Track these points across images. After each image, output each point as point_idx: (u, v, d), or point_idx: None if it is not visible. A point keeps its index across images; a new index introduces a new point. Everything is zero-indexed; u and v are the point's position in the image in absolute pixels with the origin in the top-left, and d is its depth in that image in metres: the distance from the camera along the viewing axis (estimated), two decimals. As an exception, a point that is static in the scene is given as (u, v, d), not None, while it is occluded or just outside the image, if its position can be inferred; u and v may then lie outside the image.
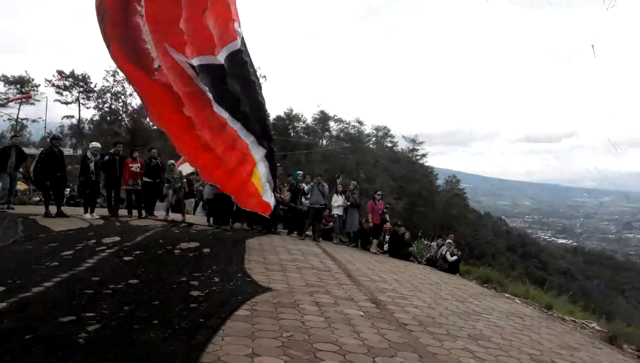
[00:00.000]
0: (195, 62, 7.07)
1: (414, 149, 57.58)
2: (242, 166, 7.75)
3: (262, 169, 7.78)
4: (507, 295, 11.26)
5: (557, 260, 58.26)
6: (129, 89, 49.91)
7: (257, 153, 7.75)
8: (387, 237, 14.64)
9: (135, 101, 49.54)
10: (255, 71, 8.16)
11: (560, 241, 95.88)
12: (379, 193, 15.70)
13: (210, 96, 7.33)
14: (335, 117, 55.99)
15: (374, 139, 59.17)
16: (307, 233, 14.27)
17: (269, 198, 7.85)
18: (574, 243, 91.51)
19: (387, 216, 15.20)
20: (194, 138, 7.66)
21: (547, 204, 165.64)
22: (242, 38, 7.76)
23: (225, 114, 7.55)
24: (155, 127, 52.50)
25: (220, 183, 8.04)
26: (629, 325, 11.16)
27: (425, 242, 17.17)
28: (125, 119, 50.75)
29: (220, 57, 7.36)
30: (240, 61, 7.52)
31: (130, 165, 13.44)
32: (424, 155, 57.80)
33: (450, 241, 14.17)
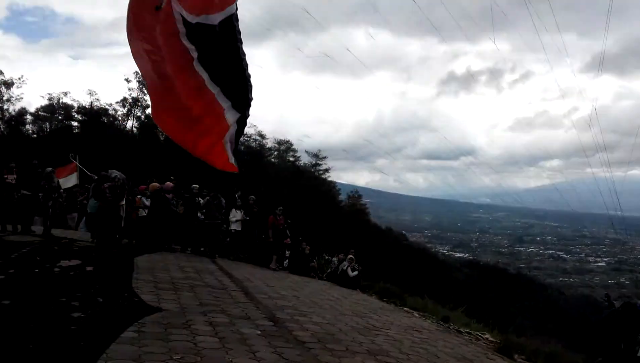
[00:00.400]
0: (190, 19, 7.02)
1: (316, 164, 58.56)
2: (215, 128, 7.37)
3: (231, 132, 7.53)
4: (406, 309, 11.67)
5: (454, 273, 61.66)
6: (5, 94, 46.29)
7: (232, 117, 7.52)
8: (288, 253, 14.64)
9: (12, 107, 45.97)
10: (241, 40, 7.95)
11: (457, 254, 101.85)
12: (280, 208, 15.68)
13: (194, 55, 7.21)
14: (235, 131, 55.37)
15: (276, 153, 59.34)
16: (202, 249, 13.90)
17: (234, 161, 7.55)
18: (470, 257, 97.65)
19: (288, 232, 15.22)
20: (173, 100, 7.43)
21: (446, 219, 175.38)
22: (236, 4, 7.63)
23: (204, 75, 7.34)
24: (35, 135, 49.03)
25: (188, 146, 7.63)
26: (520, 335, 12.01)
27: (327, 257, 17.39)
28: (1, 126, 46.73)
29: (215, 19, 7.26)
30: (232, 27, 7.39)
31: (6, 176, 12.41)
32: (326, 170, 58.97)
33: (352, 256, 14.46)
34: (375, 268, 25.18)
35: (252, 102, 7.38)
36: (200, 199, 14.23)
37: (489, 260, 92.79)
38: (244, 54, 7.61)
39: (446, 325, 10.49)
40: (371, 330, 7.93)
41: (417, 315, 11.13)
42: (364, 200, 66.50)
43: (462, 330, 10.37)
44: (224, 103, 7.34)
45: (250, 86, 7.46)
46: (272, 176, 52.16)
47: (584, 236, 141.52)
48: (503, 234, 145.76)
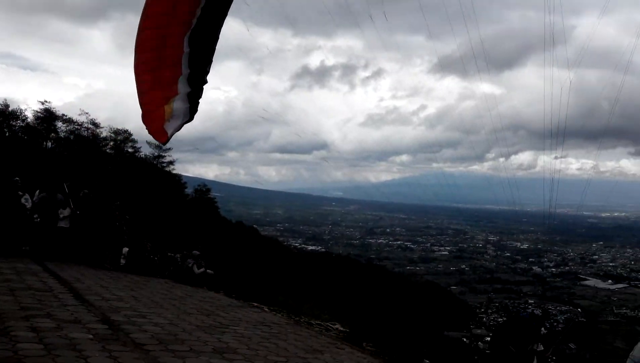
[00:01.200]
0: None
1: (159, 156, 56.34)
2: (166, 90, 6.50)
3: (177, 104, 6.49)
4: (255, 304, 11.81)
5: (308, 266, 63.67)
6: None
7: (183, 88, 6.48)
8: (126, 250, 14.00)
9: None
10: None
11: (310, 247, 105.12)
12: (117, 203, 14.93)
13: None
14: (65, 117, 51.22)
15: (112, 143, 55.95)
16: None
17: (169, 128, 6.52)
18: (323, 249, 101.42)
19: (125, 228, 14.55)
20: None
21: (299, 213, 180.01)
22: None
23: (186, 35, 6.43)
24: None
25: (141, 98, 6.52)
26: (368, 324, 12.79)
27: (170, 254, 16.92)
28: None
29: None
30: None
31: None
32: (171, 162, 57.03)
33: (197, 252, 14.26)
34: (224, 264, 25.10)
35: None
36: (27, 196, 13.02)
37: (341, 252, 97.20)
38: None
39: (297, 318, 10.83)
40: (218, 327, 7.91)
41: (267, 309, 11.33)
42: (213, 194, 65.70)
43: (312, 322, 10.78)
44: (185, 68, 6.51)
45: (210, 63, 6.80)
46: (108, 168, 49.25)
47: (430, 227, 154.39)
48: (355, 226, 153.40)
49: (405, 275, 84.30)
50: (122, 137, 56.54)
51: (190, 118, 6.53)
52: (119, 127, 56.94)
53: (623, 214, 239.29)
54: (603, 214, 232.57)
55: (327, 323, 10.77)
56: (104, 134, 54.79)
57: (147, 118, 6.52)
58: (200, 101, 6.55)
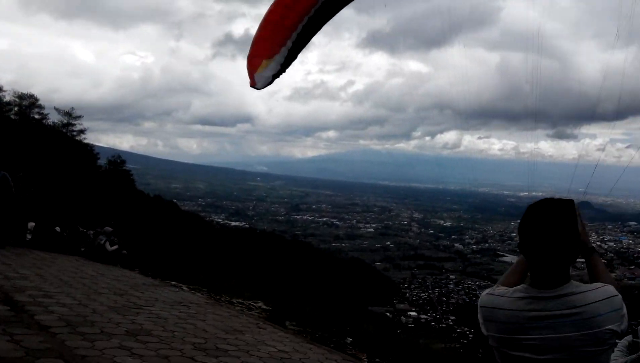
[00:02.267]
0: None
1: (69, 124, 53.70)
2: (272, 48, 6.71)
3: (271, 65, 6.75)
4: (173, 283, 11.59)
5: (231, 242, 63.19)
6: None
7: (280, 58, 6.69)
8: (32, 225, 13.32)
9: None
10: None
11: (233, 223, 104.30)
12: (21, 174, 14.13)
13: None
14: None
15: (16, 108, 52.75)
16: None
17: (260, 77, 6.66)
18: (247, 225, 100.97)
19: (30, 201, 13.81)
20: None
21: (222, 188, 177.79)
22: None
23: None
24: None
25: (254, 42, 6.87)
26: (292, 302, 12.86)
27: (82, 230, 16.26)
28: None
29: None
30: None
31: None
32: (82, 131, 54.53)
33: (110, 228, 13.77)
34: (141, 240, 24.45)
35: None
36: None
37: (266, 228, 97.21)
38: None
39: (217, 297, 10.72)
40: (132, 308, 7.70)
41: (186, 288, 11.14)
42: (129, 166, 63.52)
43: (234, 300, 10.71)
44: (290, 42, 6.76)
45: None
46: (11, 136, 46.41)
47: (356, 204, 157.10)
48: (280, 202, 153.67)
49: (330, 252, 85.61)
50: (28, 102, 53.38)
51: (269, 83, 6.81)
52: (23, 92, 53.73)
53: (540, 194, 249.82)
54: (521, 194, 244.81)
55: (249, 302, 10.72)
56: (7, 98, 51.54)
57: (248, 62, 6.77)
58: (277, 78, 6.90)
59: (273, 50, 6.70)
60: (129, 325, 6.58)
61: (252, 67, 6.64)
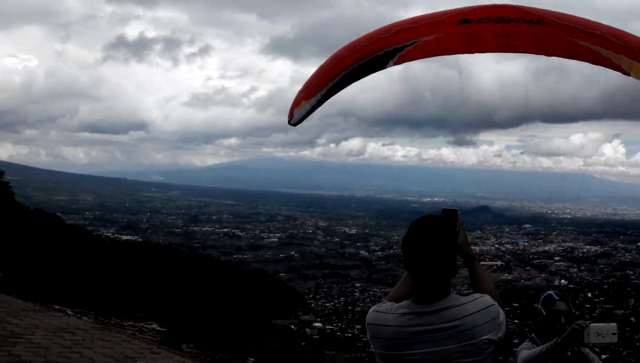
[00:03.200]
0: None
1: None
2: (311, 91, 7.18)
3: (306, 105, 7.22)
4: (56, 307, 10.99)
5: (122, 258, 60.56)
6: None
7: (313, 100, 7.17)
8: None
9: None
10: None
11: (125, 237, 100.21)
12: None
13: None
14: None
15: None
16: None
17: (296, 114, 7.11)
18: (140, 239, 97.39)
19: None
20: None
21: (112, 199, 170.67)
22: None
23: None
24: None
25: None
26: (190, 321, 12.58)
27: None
28: None
29: None
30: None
31: None
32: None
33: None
34: (19, 260, 23.00)
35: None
36: None
37: (161, 241, 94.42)
38: None
39: (106, 321, 10.28)
40: (8, 338, 7.21)
41: (71, 312, 10.59)
42: (7, 177, 59.75)
43: (125, 323, 10.32)
44: (322, 90, 7.16)
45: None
46: None
47: (259, 213, 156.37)
48: (177, 213, 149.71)
49: (232, 264, 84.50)
50: None
51: (301, 120, 7.23)
52: None
53: (442, 199, 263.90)
54: (424, 200, 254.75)
55: (142, 324, 10.35)
56: None
57: (295, 99, 7.14)
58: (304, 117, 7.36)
59: (312, 93, 7.24)
60: (4, 357, 6.16)
61: (295, 104, 7.18)
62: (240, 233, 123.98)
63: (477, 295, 2.94)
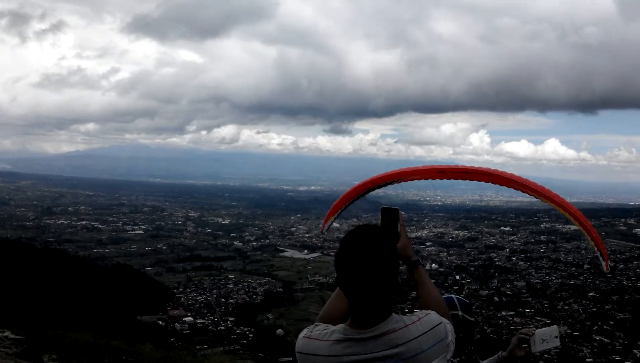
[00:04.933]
0: None
1: None
2: (335, 210, 7.59)
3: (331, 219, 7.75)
4: None
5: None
6: None
7: (333, 217, 7.76)
8: None
9: None
10: None
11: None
12: None
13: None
14: None
15: None
16: None
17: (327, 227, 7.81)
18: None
19: None
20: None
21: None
22: None
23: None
24: None
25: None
26: (49, 327, 11.52)
27: None
28: None
29: None
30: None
31: None
32: None
33: None
34: None
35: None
36: None
37: (9, 236, 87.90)
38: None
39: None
40: None
41: None
42: None
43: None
44: (339, 211, 7.70)
45: None
46: None
47: (122, 204, 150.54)
48: (28, 205, 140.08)
49: (91, 259, 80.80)
50: None
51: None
52: None
53: (319, 187, 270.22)
54: (301, 188, 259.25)
55: (-8, 333, 9.31)
56: None
57: (328, 214, 7.73)
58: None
59: (336, 209, 7.79)
60: None
61: (325, 220, 7.75)
62: (100, 226, 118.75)
63: (421, 314, 2.64)
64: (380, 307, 2.54)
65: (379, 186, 8.30)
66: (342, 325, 2.63)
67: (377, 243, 2.54)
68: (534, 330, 3.89)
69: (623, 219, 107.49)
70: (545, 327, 4.01)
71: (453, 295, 4.20)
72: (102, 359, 8.19)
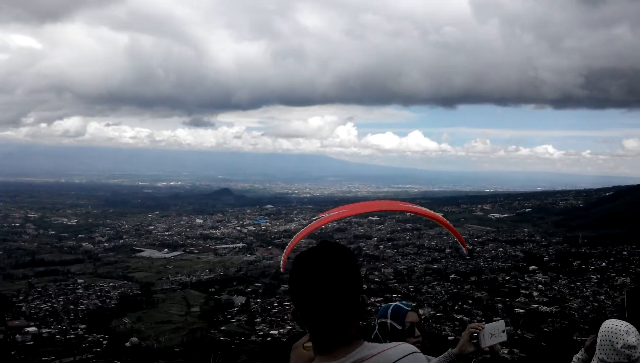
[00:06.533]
0: None
1: None
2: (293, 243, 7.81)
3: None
4: None
5: None
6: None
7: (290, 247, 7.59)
8: None
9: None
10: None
11: None
12: None
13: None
14: None
15: None
16: None
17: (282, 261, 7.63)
18: None
19: None
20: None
21: None
22: None
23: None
24: None
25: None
26: None
27: None
28: None
29: None
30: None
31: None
32: None
33: None
34: None
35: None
36: None
37: None
38: None
39: None
40: None
41: None
42: None
43: None
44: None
45: None
46: None
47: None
48: None
49: None
50: None
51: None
52: None
53: (179, 183, 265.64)
54: (159, 184, 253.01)
55: None
56: None
57: (286, 251, 8.02)
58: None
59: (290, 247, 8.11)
60: None
61: (284, 259, 7.98)
62: None
63: (394, 343, 2.39)
64: (344, 330, 2.32)
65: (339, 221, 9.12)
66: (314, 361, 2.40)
67: (332, 258, 2.33)
68: (484, 325, 3.92)
69: (479, 206, 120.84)
70: (493, 321, 4.06)
71: (392, 303, 4.44)
72: None
